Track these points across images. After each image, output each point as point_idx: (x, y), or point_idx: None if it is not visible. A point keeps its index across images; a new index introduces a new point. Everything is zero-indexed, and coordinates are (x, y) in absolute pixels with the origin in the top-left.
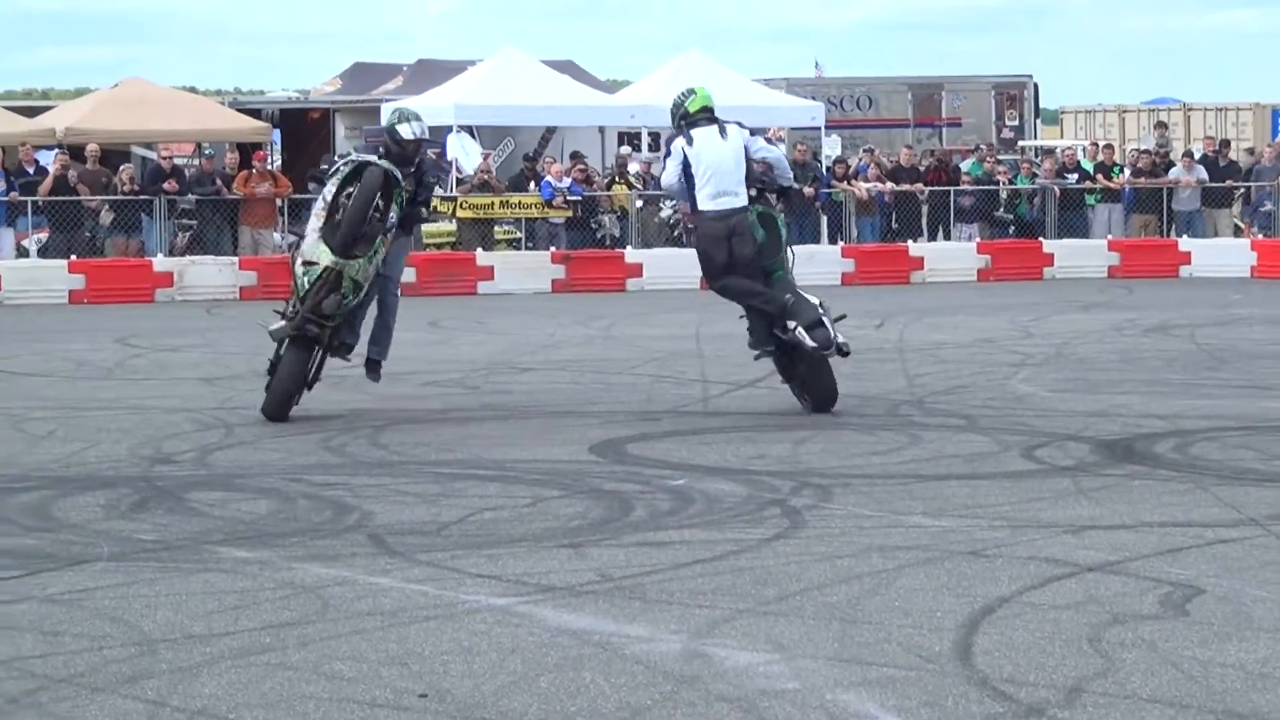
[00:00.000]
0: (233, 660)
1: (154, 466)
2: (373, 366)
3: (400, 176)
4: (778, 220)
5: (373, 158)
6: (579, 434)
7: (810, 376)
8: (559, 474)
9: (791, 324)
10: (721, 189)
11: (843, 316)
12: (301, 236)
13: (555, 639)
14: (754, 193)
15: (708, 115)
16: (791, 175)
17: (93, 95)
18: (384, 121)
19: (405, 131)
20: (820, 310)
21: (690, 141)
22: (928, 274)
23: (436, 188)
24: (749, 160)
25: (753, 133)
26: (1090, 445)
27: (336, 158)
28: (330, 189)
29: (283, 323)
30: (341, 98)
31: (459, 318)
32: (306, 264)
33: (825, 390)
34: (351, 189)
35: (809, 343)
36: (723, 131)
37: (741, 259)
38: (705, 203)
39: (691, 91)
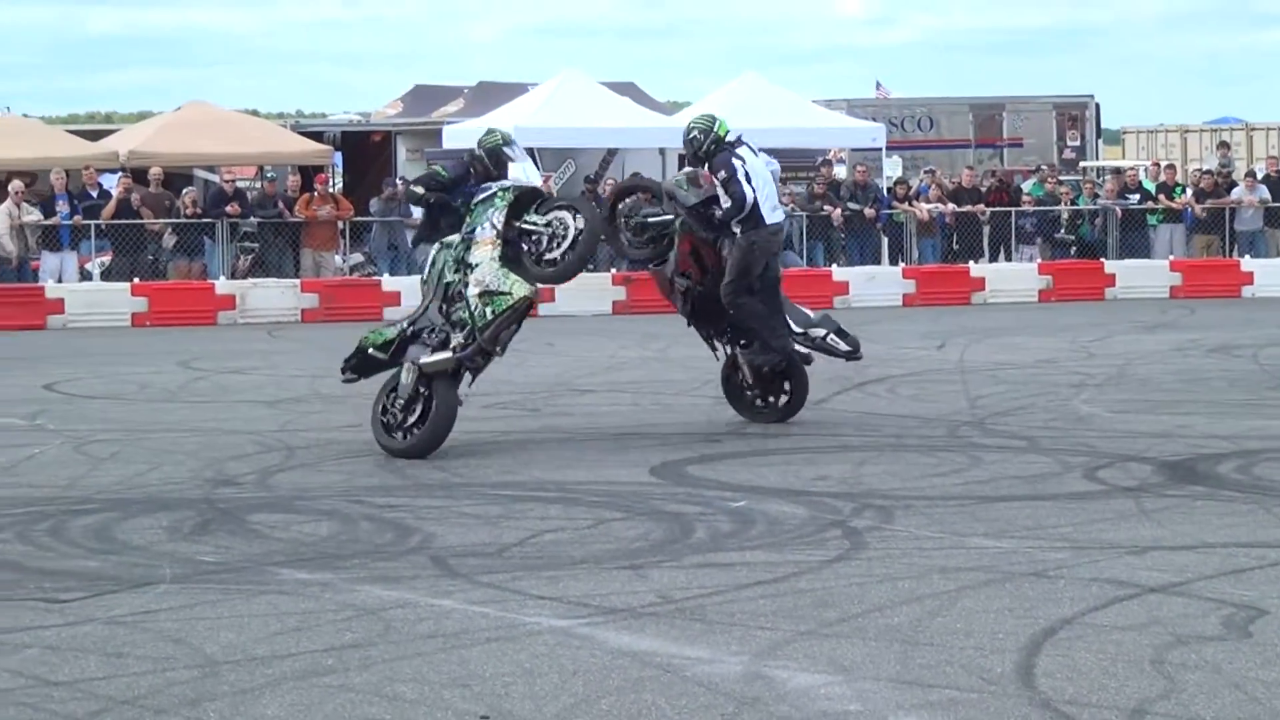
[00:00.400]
0: (295, 682)
1: (216, 489)
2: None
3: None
4: None
5: (526, 183)
6: (640, 456)
7: (796, 385)
8: (620, 496)
9: (821, 331)
10: (775, 203)
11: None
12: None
13: (616, 661)
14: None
15: (737, 139)
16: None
17: (156, 118)
18: (446, 143)
19: (507, 153)
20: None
21: (742, 159)
22: (989, 295)
23: None
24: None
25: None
26: (1153, 466)
27: (437, 168)
28: (495, 217)
29: (445, 354)
30: (403, 120)
31: (520, 340)
32: (489, 294)
33: (803, 394)
34: (529, 218)
35: (842, 346)
36: (756, 154)
37: (774, 273)
38: (769, 214)
39: (714, 119)
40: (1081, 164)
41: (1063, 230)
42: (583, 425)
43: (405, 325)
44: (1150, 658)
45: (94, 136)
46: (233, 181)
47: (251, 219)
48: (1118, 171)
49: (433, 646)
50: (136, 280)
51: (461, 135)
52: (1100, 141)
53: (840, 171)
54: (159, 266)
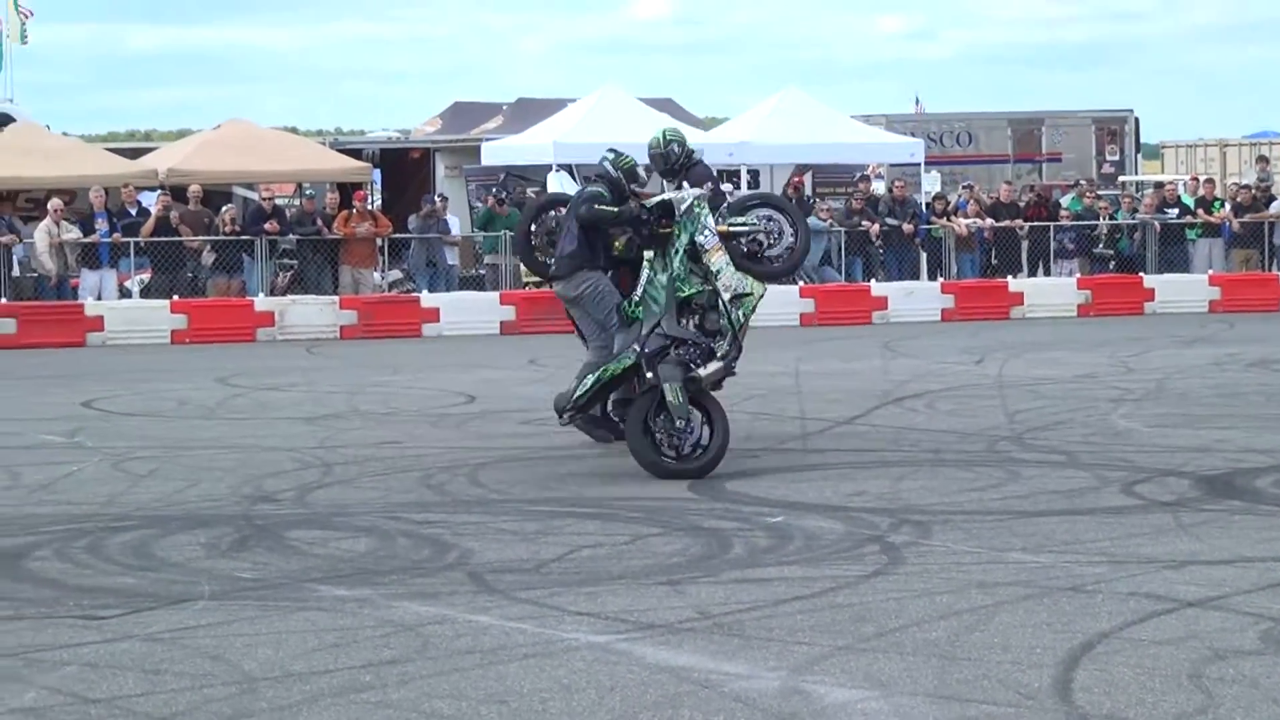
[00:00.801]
0: (333, 698)
1: (254, 505)
2: None
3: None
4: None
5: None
6: None
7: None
8: (657, 511)
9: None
10: None
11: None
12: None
13: (654, 676)
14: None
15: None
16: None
17: (195, 136)
18: (485, 160)
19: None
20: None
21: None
22: (1027, 309)
23: None
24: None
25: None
26: (1191, 480)
27: (599, 189)
28: (710, 222)
29: (717, 364)
30: (442, 137)
31: (559, 356)
32: (738, 297)
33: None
34: (735, 220)
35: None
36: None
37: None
38: None
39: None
40: (1120, 178)
41: (1101, 245)
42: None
43: (638, 349)
44: (1188, 672)
45: (133, 155)
46: (271, 199)
47: (290, 236)
48: (1158, 185)
49: (470, 663)
50: (176, 298)
51: (500, 152)
52: (1139, 156)
53: (879, 187)
54: (198, 284)
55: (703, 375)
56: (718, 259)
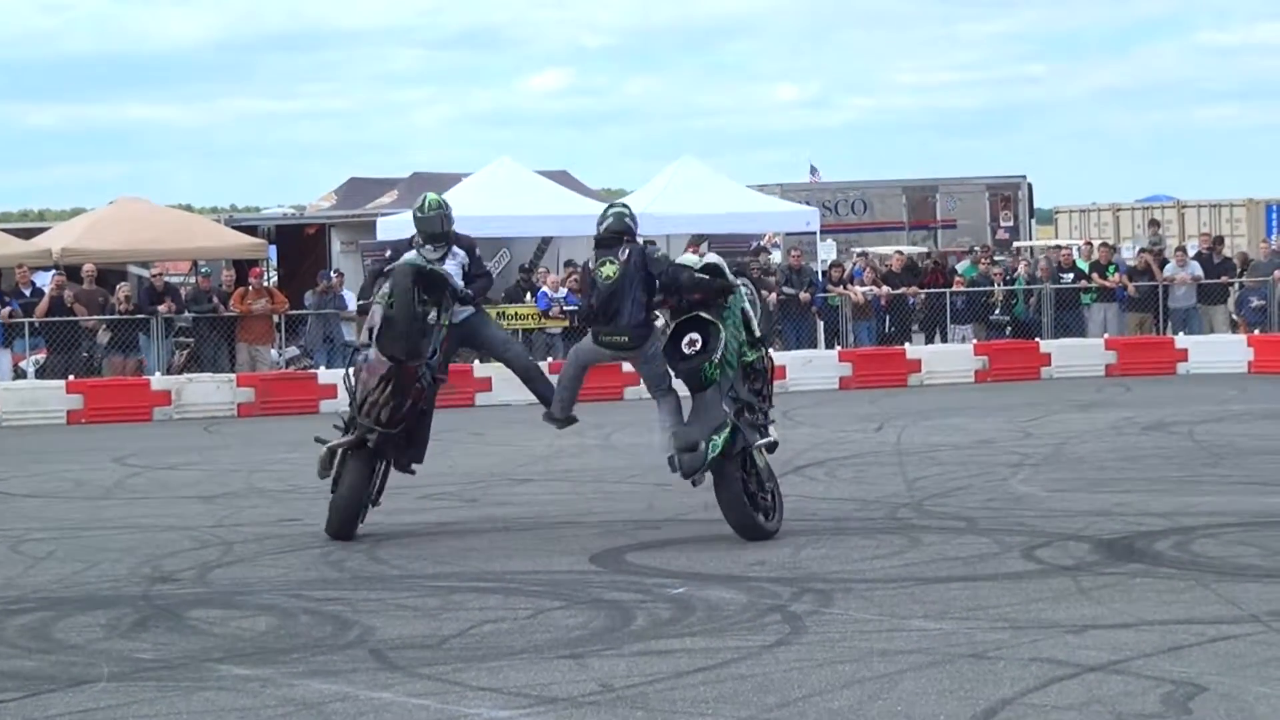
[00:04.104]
0: None
1: (154, 585)
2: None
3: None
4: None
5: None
6: (579, 544)
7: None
8: (560, 584)
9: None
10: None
11: (773, 443)
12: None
13: None
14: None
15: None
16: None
17: (88, 215)
18: (381, 235)
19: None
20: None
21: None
22: (925, 376)
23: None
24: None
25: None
26: (1090, 544)
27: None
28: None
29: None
30: (337, 213)
31: (457, 429)
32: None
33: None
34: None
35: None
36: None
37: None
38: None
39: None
40: (1015, 244)
41: (997, 311)
42: (521, 514)
43: (729, 414)
44: None
45: (27, 235)
46: (161, 275)
47: (186, 314)
48: (1057, 249)
49: None
50: (71, 377)
51: (396, 226)
52: (1033, 221)
53: (775, 256)
54: (94, 363)
55: (775, 439)
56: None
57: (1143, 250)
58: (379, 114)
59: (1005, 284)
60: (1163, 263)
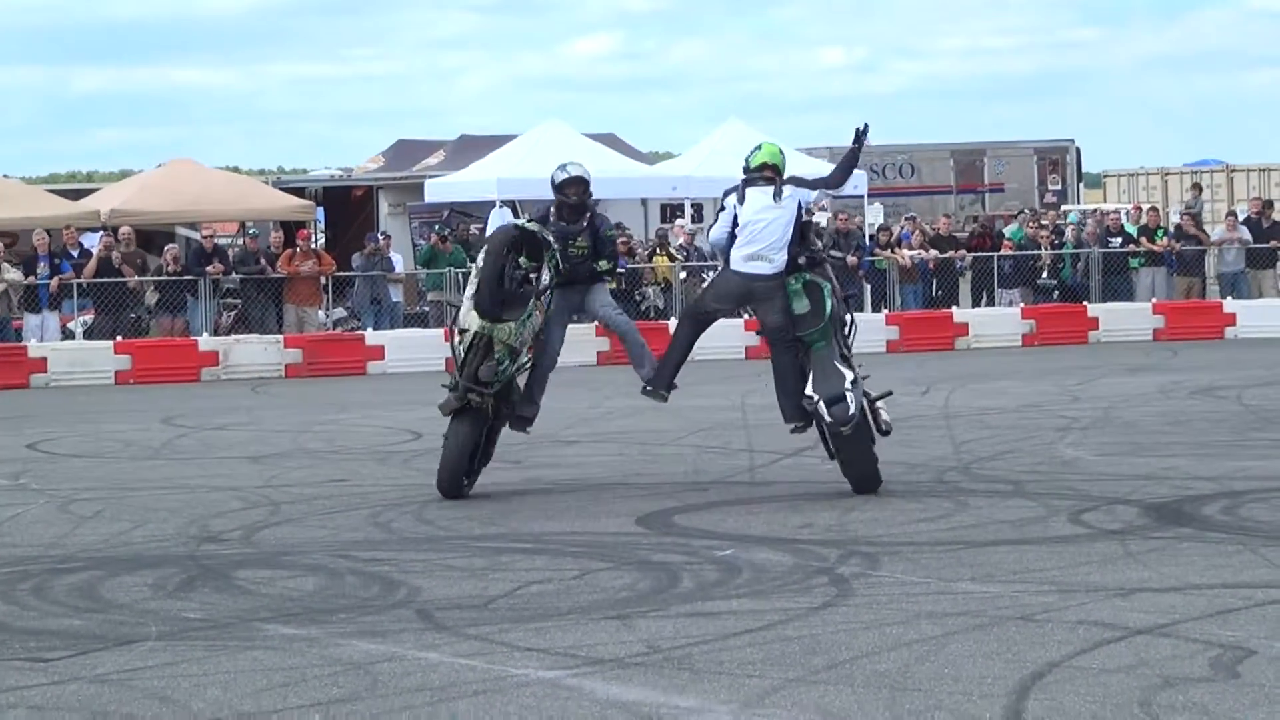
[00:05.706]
0: None
1: (201, 545)
2: (519, 421)
3: (547, 236)
4: (823, 290)
5: (514, 221)
6: (625, 506)
7: (843, 455)
8: (606, 546)
9: (815, 396)
10: (756, 253)
11: (888, 394)
12: (457, 307)
13: (604, 711)
14: (804, 260)
15: (767, 174)
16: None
17: (137, 177)
18: (428, 197)
19: (558, 175)
20: (848, 385)
21: (742, 200)
22: (972, 340)
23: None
24: (805, 223)
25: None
26: (1138, 508)
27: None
28: (480, 258)
29: (449, 395)
30: (384, 174)
31: None
32: (461, 333)
33: (858, 472)
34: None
35: (825, 418)
36: (778, 194)
37: (769, 326)
38: (737, 263)
39: (758, 147)
40: (1063, 208)
41: (1044, 275)
42: (568, 476)
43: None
44: (1138, 700)
45: (75, 196)
46: (212, 237)
47: (234, 275)
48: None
49: (420, 700)
50: (119, 338)
51: (443, 189)
52: (1081, 185)
53: (822, 219)
54: (141, 324)
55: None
56: (466, 292)
57: (1184, 213)
58: (425, 78)
59: (1053, 248)
60: (1199, 226)
